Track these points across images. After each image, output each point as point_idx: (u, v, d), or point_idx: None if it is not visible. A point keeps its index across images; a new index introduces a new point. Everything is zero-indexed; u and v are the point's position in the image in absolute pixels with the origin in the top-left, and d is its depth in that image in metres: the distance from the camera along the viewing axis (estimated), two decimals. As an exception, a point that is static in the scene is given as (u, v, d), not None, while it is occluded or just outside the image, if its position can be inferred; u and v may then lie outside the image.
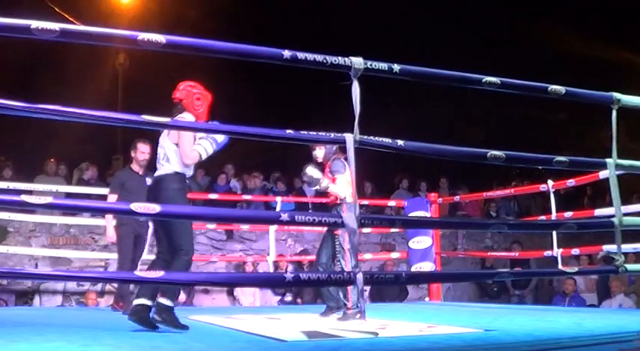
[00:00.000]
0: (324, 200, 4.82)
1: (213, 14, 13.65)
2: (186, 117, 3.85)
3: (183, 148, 3.78)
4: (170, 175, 3.83)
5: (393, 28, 14.55)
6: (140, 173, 5.66)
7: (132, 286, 5.45)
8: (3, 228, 7.89)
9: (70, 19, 11.30)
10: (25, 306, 7.51)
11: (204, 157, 3.85)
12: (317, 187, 4.63)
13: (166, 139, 3.86)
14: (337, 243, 4.58)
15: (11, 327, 3.85)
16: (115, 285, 6.19)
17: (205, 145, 3.83)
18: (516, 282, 8.90)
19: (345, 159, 4.31)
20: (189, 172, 3.94)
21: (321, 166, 4.69)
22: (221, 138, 3.86)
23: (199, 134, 3.83)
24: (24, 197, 2.76)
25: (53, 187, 7.28)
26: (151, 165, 5.54)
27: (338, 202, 4.56)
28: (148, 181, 5.51)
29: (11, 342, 3.04)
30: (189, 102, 3.88)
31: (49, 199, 2.80)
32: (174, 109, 3.90)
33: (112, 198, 5.58)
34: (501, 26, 14.40)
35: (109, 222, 5.70)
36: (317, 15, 14.61)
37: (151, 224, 5.86)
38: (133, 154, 5.71)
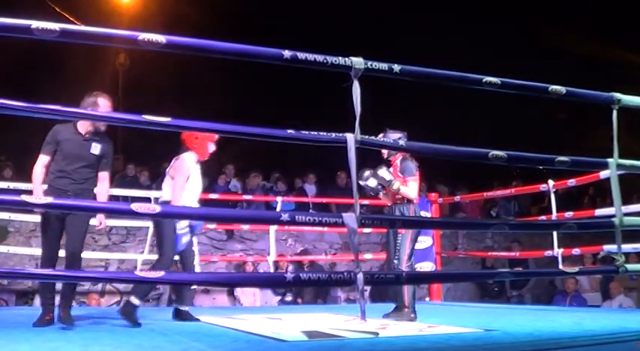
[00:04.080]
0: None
1: (213, 14, 13.64)
2: (187, 155, 4.62)
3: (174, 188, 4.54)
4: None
5: (393, 28, 14.54)
6: (84, 135, 4.22)
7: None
8: (3, 228, 7.89)
9: (71, 19, 11.32)
10: (25, 306, 7.51)
11: None
12: (380, 189, 4.70)
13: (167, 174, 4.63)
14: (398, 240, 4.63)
15: (11, 327, 3.85)
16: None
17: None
18: (514, 282, 8.90)
19: (415, 160, 4.67)
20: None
21: (388, 165, 4.73)
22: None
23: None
24: (24, 197, 2.75)
25: (53, 187, 7.25)
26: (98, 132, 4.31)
27: (405, 201, 4.63)
28: (95, 148, 4.25)
29: (11, 342, 3.04)
30: (189, 141, 4.62)
31: (49, 199, 2.80)
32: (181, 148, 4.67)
33: (43, 160, 4.19)
34: (501, 26, 14.40)
35: (38, 183, 4.22)
36: (317, 15, 14.59)
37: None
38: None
